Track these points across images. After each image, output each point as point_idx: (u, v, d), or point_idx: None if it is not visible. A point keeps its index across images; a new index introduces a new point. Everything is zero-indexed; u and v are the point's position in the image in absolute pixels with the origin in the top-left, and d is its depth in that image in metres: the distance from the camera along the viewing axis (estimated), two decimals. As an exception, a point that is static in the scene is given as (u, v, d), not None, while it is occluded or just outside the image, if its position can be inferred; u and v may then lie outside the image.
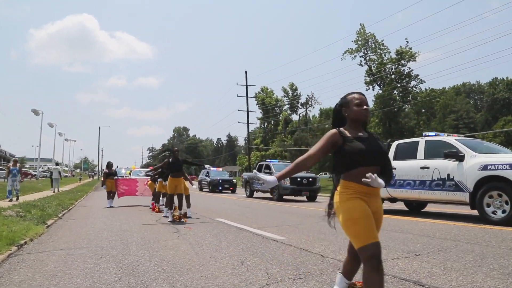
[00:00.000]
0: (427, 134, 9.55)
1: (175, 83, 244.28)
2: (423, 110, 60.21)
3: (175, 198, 9.42)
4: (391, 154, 10.15)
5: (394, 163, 9.84)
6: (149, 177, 13.73)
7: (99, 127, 78.60)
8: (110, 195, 14.23)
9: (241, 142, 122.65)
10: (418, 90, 54.10)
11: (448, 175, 8.36)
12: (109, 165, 15.12)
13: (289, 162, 22.35)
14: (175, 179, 9.39)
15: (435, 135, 9.48)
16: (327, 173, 65.35)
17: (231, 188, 27.56)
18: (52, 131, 53.63)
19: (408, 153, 9.69)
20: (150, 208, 12.44)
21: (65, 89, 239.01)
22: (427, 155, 9.08)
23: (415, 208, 11.36)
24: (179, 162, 9.52)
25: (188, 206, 9.90)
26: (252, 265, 4.31)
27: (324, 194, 20.73)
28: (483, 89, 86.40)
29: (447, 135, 9.53)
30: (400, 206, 11.56)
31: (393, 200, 10.49)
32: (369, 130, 2.83)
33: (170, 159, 9.70)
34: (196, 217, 9.72)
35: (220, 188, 26.96)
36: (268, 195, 19.38)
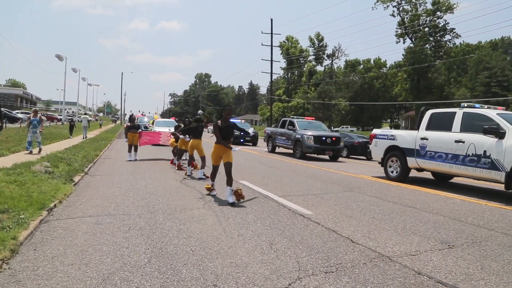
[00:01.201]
0: (465, 106, 9.01)
1: (198, 29, 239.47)
2: (454, 66, 57.48)
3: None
4: (424, 123, 9.72)
5: (426, 133, 9.47)
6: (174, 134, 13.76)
7: (122, 73, 78.79)
8: (131, 148, 14.31)
9: (262, 91, 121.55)
10: (451, 45, 51.57)
11: (485, 151, 7.96)
12: (132, 118, 15.14)
13: (314, 120, 21.96)
14: (195, 140, 10.11)
15: (474, 107, 8.94)
16: (348, 126, 64.69)
17: (252, 141, 27.55)
18: (76, 76, 54.01)
19: (442, 124, 9.24)
20: (172, 166, 12.46)
21: (88, 34, 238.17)
22: (464, 128, 8.63)
23: (443, 178, 11.06)
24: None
25: (203, 166, 10.02)
26: (281, 250, 4.22)
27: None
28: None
29: (488, 107, 8.98)
30: (427, 174, 11.25)
31: (420, 170, 10.21)
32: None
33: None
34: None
35: (242, 140, 26.95)
36: (290, 151, 19.27)
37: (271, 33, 48.85)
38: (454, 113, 9.05)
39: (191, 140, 10.32)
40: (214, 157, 7.23)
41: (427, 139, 9.43)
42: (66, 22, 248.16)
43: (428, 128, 9.57)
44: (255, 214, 5.89)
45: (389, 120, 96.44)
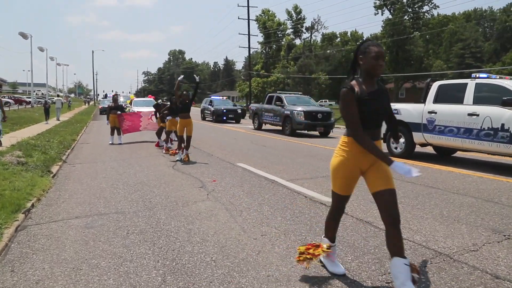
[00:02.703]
0: (477, 76, 8.40)
1: (169, 4, 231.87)
2: (427, 37, 57.15)
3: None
4: (431, 96, 9.09)
5: (434, 107, 8.86)
6: (155, 114, 12.78)
7: (92, 51, 75.38)
8: (114, 131, 13.28)
9: (238, 66, 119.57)
10: (429, 16, 51.20)
11: (503, 125, 7.38)
12: (115, 98, 13.97)
13: (300, 94, 21.18)
14: (185, 120, 9.34)
15: (487, 77, 8.33)
16: (327, 100, 64.30)
17: (235, 118, 26.66)
18: (43, 56, 51.10)
19: (452, 96, 8.62)
20: (160, 147, 11.59)
21: (53, 11, 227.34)
22: (477, 101, 8.03)
23: (445, 153, 10.57)
24: (188, 104, 9.36)
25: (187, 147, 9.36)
26: (319, 253, 3.50)
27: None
28: (495, 16, 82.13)
29: (500, 77, 8.39)
30: (421, 149, 10.72)
31: (425, 145, 9.66)
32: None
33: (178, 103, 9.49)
34: (215, 161, 8.91)
35: (224, 118, 26.01)
36: (278, 128, 18.52)
37: (248, 6, 47.24)
38: (466, 84, 8.42)
39: (180, 119, 9.39)
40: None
41: (435, 113, 8.82)
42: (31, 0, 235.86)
43: (436, 101, 8.95)
44: (269, 205, 5.14)
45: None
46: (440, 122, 8.69)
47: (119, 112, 13.56)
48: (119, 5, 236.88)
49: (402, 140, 9.79)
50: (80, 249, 3.66)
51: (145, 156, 9.99)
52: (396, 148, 9.98)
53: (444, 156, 10.48)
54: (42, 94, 68.65)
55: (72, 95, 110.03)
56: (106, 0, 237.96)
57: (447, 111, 8.54)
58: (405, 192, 5.90)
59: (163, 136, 11.59)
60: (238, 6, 48.18)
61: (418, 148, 10.04)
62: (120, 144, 12.93)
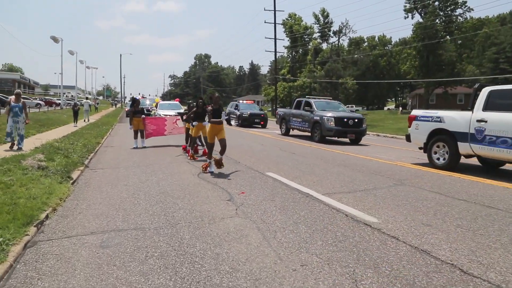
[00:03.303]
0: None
1: (196, 8, 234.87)
2: (459, 42, 54.88)
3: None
4: (480, 103, 8.27)
5: (484, 115, 8.04)
6: (183, 118, 12.33)
7: (120, 55, 76.76)
8: (137, 134, 12.96)
9: (263, 70, 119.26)
10: (462, 20, 49.29)
11: None
12: (136, 102, 13.64)
13: (330, 99, 20.46)
14: (216, 125, 8.31)
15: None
16: (353, 105, 62.94)
17: (261, 122, 26.12)
18: (73, 59, 52.15)
19: (506, 103, 7.80)
20: (184, 152, 11.13)
21: (83, 16, 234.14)
22: (538, 107, 7.20)
23: (491, 165, 9.67)
24: (219, 109, 8.38)
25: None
26: (375, 293, 2.88)
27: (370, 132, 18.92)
28: (533, 18, 78.76)
29: None
30: (465, 160, 9.82)
31: (470, 156, 8.83)
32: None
33: (210, 106, 8.48)
34: (243, 169, 8.36)
35: (251, 122, 25.51)
36: (306, 134, 17.85)
37: (274, 10, 46.77)
38: (522, 89, 7.60)
39: (211, 126, 8.70)
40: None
41: (485, 122, 7.99)
42: (61, 4, 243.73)
43: (486, 108, 8.12)
44: (306, 224, 4.53)
45: (393, 99, 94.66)
46: (491, 132, 7.86)
47: (143, 116, 13.24)
48: (147, 10, 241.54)
49: (445, 150, 8.99)
50: (91, 274, 3.16)
51: (169, 162, 9.54)
52: (438, 159, 9.18)
53: (490, 168, 9.60)
54: (72, 96, 70.13)
55: (101, 97, 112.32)
56: (134, 5, 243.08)
57: (500, 120, 7.71)
58: (460, 213, 5.17)
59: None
60: (264, 10, 47.88)
61: (461, 159, 9.20)
62: (144, 147, 12.60)
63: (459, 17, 48.60)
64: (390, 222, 4.64)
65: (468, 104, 8.62)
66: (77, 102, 27.34)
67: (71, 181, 6.89)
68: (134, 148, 12.53)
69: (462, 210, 5.32)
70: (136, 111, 13.19)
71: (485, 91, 8.28)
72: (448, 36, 48.52)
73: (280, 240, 4.00)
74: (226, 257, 3.54)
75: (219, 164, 8.08)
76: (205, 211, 5.10)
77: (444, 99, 50.74)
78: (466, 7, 47.76)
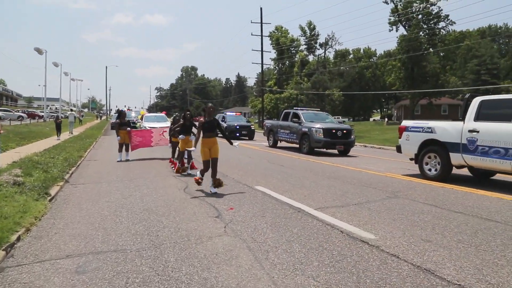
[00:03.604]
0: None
1: (183, 22, 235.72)
2: (441, 54, 55.78)
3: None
4: (471, 113, 8.16)
5: (476, 125, 7.92)
6: (170, 131, 11.99)
7: (106, 67, 75.97)
8: (122, 147, 12.58)
9: (250, 83, 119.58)
10: (445, 32, 50.16)
11: None
12: (122, 114, 13.27)
13: (318, 110, 20.37)
14: (209, 139, 7.31)
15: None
16: (339, 117, 63.26)
17: (248, 135, 25.87)
18: (58, 71, 51.36)
19: (498, 113, 7.70)
20: (172, 166, 10.77)
21: (70, 28, 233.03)
22: (529, 117, 7.10)
23: (482, 176, 9.57)
24: (212, 121, 7.45)
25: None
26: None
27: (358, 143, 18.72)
28: (511, 33, 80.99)
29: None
30: (456, 171, 9.70)
31: (461, 167, 8.71)
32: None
33: (202, 118, 7.95)
34: (230, 183, 8.06)
35: (238, 134, 25.22)
36: (294, 145, 17.63)
37: (261, 22, 46.97)
38: (514, 99, 7.51)
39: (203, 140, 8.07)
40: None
41: (477, 132, 7.88)
42: (48, 17, 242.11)
43: (478, 118, 8.01)
44: (300, 243, 4.24)
45: (379, 110, 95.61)
46: (483, 142, 7.74)
47: (128, 129, 12.87)
48: (135, 23, 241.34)
49: (436, 161, 8.85)
50: (63, 307, 2.81)
51: (154, 176, 9.18)
52: (430, 170, 9.02)
53: (481, 179, 9.49)
54: (56, 108, 69.04)
55: (86, 110, 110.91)
56: (122, 18, 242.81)
57: (493, 130, 7.60)
58: (459, 226, 4.95)
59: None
60: (251, 22, 48.03)
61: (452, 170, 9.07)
62: (127, 160, 12.22)
63: (442, 30, 49.42)
64: (388, 239, 4.39)
65: (452, 115, 8.54)
66: (60, 115, 26.77)
67: (49, 198, 6.48)
68: (118, 161, 12.13)
69: (461, 223, 5.11)
70: (122, 123, 12.82)
71: (476, 101, 8.19)
72: (431, 49, 49.27)
73: (273, 261, 3.70)
74: (215, 282, 3.23)
75: (219, 184, 7.14)
76: (192, 229, 4.78)
77: (429, 110, 51.31)
78: (449, 21, 48.68)
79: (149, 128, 15.57)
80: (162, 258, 3.79)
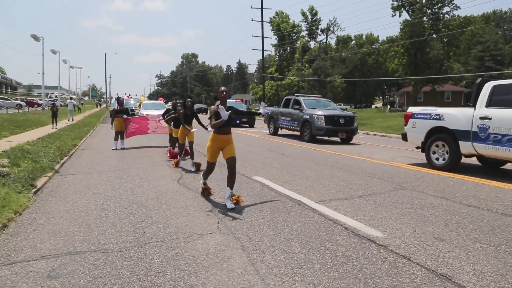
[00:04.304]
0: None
1: (183, 8, 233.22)
2: (444, 40, 54.96)
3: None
4: (483, 99, 7.70)
5: (488, 111, 7.47)
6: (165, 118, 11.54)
7: (105, 54, 75.06)
8: (118, 136, 12.18)
9: (251, 69, 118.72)
10: (449, 18, 49.14)
11: None
12: (120, 101, 12.84)
13: (320, 97, 19.87)
14: (221, 136, 5.47)
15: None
16: (341, 104, 62.62)
17: (249, 122, 25.42)
18: (57, 59, 50.63)
19: (511, 99, 7.25)
20: (167, 155, 10.36)
21: (68, 15, 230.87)
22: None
23: (492, 165, 9.14)
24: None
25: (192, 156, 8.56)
26: None
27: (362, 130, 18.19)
28: (516, 18, 79.81)
29: None
30: (464, 160, 9.25)
31: (470, 156, 8.28)
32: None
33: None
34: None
35: (238, 122, 24.76)
36: (295, 133, 17.20)
37: (261, 8, 46.07)
38: (530, 83, 7.04)
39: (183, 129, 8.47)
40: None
41: (489, 119, 7.43)
42: (46, 3, 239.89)
43: (490, 104, 7.56)
44: (300, 242, 3.85)
45: (381, 98, 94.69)
46: (496, 130, 7.29)
47: (125, 116, 12.44)
48: (134, 10, 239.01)
49: (444, 149, 8.42)
50: (25, 322, 2.43)
51: (148, 166, 8.79)
52: (437, 159, 8.60)
53: (491, 168, 9.07)
54: (56, 96, 68.54)
55: (86, 98, 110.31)
56: (121, 5, 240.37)
57: (506, 117, 7.15)
58: (474, 222, 4.54)
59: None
60: (251, 8, 47.14)
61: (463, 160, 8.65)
62: (123, 149, 11.82)
63: (446, 15, 48.40)
64: (397, 237, 3.99)
65: (455, 102, 8.09)
66: (57, 103, 26.38)
67: (34, 190, 6.09)
68: (113, 149, 11.74)
69: (475, 219, 4.70)
70: (119, 111, 12.39)
71: (488, 86, 7.72)
72: (434, 35, 48.35)
73: (269, 263, 3.31)
74: (203, 290, 2.84)
75: (238, 201, 5.26)
76: (182, 225, 4.38)
77: (432, 97, 50.63)
78: (453, 5, 47.65)
79: (145, 115, 15.11)
80: (146, 259, 3.40)
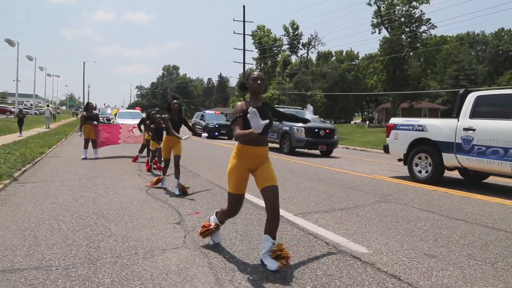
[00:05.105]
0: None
1: (166, 19, 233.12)
2: (421, 59, 56.28)
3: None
4: (466, 110, 7.50)
5: (472, 123, 7.25)
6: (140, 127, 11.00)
7: (84, 62, 73.66)
8: (88, 144, 11.50)
9: (232, 82, 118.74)
10: (426, 36, 50.29)
11: None
12: (89, 107, 12.17)
13: (300, 109, 19.64)
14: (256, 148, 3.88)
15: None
16: (321, 118, 62.78)
17: (227, 134, 24.96)
18: (33, 65, 49.30)
19: (496, 110, 7.06)
20: (155, 168, 9.33)
21: (49, 23, 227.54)
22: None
23: (474, 178, 8.94)
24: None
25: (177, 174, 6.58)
26: None
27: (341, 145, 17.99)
28: (487, 40, 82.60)
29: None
30: (447, 174, 9.03)
31: (452, 169, 8.04)
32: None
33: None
34: (202, 184, 7.17)
35: (216, 133, 24.28)
36: (275, 145, 16.82)
37: (244, 21, 46.10)
38: (514, 95, 6.86)
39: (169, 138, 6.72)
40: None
41: (473, 130, 7.20)
42: (27, 11, 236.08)
43: (474, 115, 7.35)
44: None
45: (360, 113, 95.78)
46: (480, 142, 7.06)
47: (95, 123, 11.79)
48: (117, 20, 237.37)
49: (427, 162, 8.16)
50: None
51: (117, 175, 8.20)
52: (420, 171, 8.33)
53: (473, 182, 8.87)
54: (31, 104, 66.64)
55: (63, 108, 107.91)
56: (103, 15, 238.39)
57: (490, 128, 6.93)
58: (465, 237, 4.19)
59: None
60: (234, 20, 47.14)
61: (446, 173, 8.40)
62: (96, 158, 11.16)
63: (423, 34, 49.56)
64: (384, 253, 3.58)
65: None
66: (21, 109, 25.40)
67: (-17, 199, 5.47)
68: (83, 158, 11.05)
69: (466, 233, 4.36)
70: (88, 117, 11.72)
71: (471, 97, 7.53)
72: (412, 52, 49.34)
73: (239, 284, 2.84)
74: (157, 318, 2.34)
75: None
76: (144, 239, 3.87)
77: (410, 114, 51.37)
78: (430, 24, 48.86)
79: (118, 124, 14.50)
80: (95, 279, 2.89)
